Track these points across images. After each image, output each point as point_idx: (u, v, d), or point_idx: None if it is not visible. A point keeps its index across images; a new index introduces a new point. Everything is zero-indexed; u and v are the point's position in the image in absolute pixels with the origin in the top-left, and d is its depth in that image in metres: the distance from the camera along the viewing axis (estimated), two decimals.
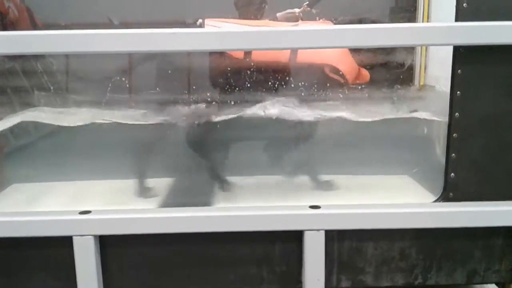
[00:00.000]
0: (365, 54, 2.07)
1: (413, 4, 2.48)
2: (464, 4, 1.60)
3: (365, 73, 2.10)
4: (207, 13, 2.09)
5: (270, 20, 2.13)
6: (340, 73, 2.04)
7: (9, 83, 2.30)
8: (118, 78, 2.17)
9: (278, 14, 2.13)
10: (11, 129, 2.26)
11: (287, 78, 2.08)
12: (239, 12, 2.22)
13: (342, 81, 2.06)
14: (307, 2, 2.13)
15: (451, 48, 1.66)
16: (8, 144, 2.36)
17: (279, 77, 2.08)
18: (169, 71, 2.16)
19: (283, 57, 2.01)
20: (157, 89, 2.16)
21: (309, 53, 2.00)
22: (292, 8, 2.14)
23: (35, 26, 2.36)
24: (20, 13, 2.32)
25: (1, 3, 2.22)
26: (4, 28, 2.24)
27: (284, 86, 2.09)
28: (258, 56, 2.01)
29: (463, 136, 1.68)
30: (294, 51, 1.98)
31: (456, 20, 1.62)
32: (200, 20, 2.03)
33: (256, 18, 2.18)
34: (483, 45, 1.61)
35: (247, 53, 1.99)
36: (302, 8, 2.13)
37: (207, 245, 1.75)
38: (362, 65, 2.08)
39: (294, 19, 2.15)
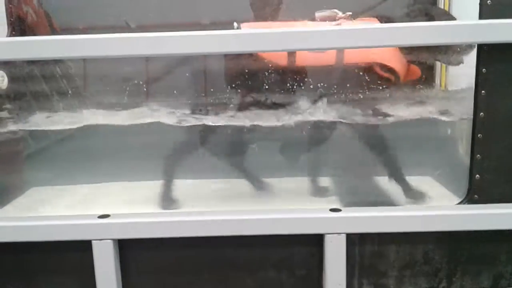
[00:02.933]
0: None
1: (432, 1, 2.43)
2: (488, 1, 1.56)
3: (416, 69, 2.04)
4: (222, 15, 2.07)
5: (309, 20, 2.08)
6: (392, 71, 1.99)
7: None
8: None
9: (317, 14, 2.07)
10: (30, 132, 2.28)
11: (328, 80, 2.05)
12: (254, 13, 2.20)
13: (394, 79, 2.00)
14: (351, 13, 2.04)
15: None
16: (28, 147, 2.38)
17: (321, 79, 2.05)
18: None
19: (329, 59, 1.97)
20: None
21: (356, 53, 1.95)
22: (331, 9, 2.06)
23: (53, 31, 2.37)
24: (39, 17, 2.33)
25: (19, 7, 2.24)
26: (23, 32, 2.25)
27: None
28: (301, 60, 1.97)
29: (488, 136, 1.64)
30: (340, 52, 1.94)
31: (480, 17, 1.58)
32: (235, 24, 2.00)
33: (272, 19, 2.15)
34: (508, 43, 1.56)
35: (291, 58, 1.96)
36: (344, 15, 2.03)
37: (225, 249, 1.74)
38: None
39: (331, 18, 2.08)
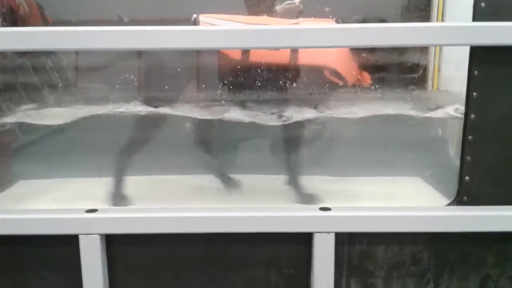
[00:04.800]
0: (378, 54, 2.03)
1: (427, 3, 2.43)
2: (481, 4, 1.56)
3: (366, 76, 2.06)
4: (215, 9, 2.06)
5: (268, 15, 2.08)
6: (340, 75, 2.01)
7: None
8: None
9: (278, 7, 2.08)
10: (20, 125, 2.25)
11: (287, 79, 2.06)
12: (249, 9, 2.19)
13: (341, 83, 2.03)
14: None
15: (466, 49, 1.63)
16: (16, 139, 2.35)
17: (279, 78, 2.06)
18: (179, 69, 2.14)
19: (282, 58, 1.97)
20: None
21: (308, 55, 1.97)
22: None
23: (45, 23, 2.35)
24: (31, 9, 2.31)
25: None
26: (14, 24, 2.23)
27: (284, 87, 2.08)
28: (256, 57, 1.97)
29: (479, 138, 1.64)
30: (294, 53, 1.94)
31: (474, 20, 1.58)
32: (194, 16, 1.99)
33: (267, 15, 2.14)
34: (501, 46, 1.57)
35: (244, 53, 1.96)
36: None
37: (213, 246, 1.73)
38: (376, 65, 2.04)
39: (294, 10, 2.09)
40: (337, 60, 1.98)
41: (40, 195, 2.16)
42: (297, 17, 2.07)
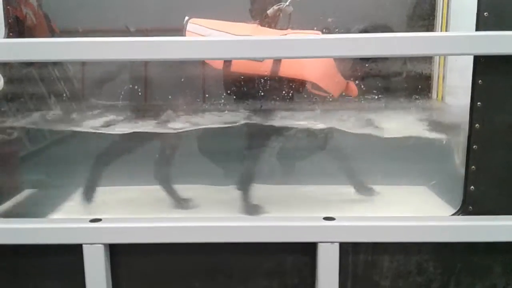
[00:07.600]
0: (382, 64, 2.04)
1: (431, 13, 2.44)
2: (485, 13, 1.56)
3: (353, 87, 2.07)
4: (220, 18, 2.07)
5: (259, 23, 2.10)
6: (322, 89, 2.03)
7: None
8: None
9: (269, 11, 2.09)
10: (27, 133, 2.27)
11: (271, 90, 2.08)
12: (253, 19, 2.21)
13: (326, 96, 2.05)
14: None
15: (470, 58, 1.62)
16: (24, 148, 2.37)
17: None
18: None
19: (264, 69, 1.98)
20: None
21: (291, 68, 1.98)
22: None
23: (52, 33, 2.37)
24: (38, 19, 2.33)
25: (19, 9, 2.23)
26: (21, 34, 2.25)
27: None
28: (238, 67, 1.99)
29: (484, 148, 1.63)
30: (276, 64, 1.96)
31: (477, 29, 1.58)
32: (186, 18, 2.02)
33: (270, 26, 2.15)
34: (505, 55, 1.56)
35: (227, 63, 1.97)
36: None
37: (217, 255, 1.73)
38: (380, 75, 2.04)
39: (284, 12, 2.09)
40: (318, 74, 1.98)
41: (45, 205, 2.17)
42: (288, 21, 2.07)
